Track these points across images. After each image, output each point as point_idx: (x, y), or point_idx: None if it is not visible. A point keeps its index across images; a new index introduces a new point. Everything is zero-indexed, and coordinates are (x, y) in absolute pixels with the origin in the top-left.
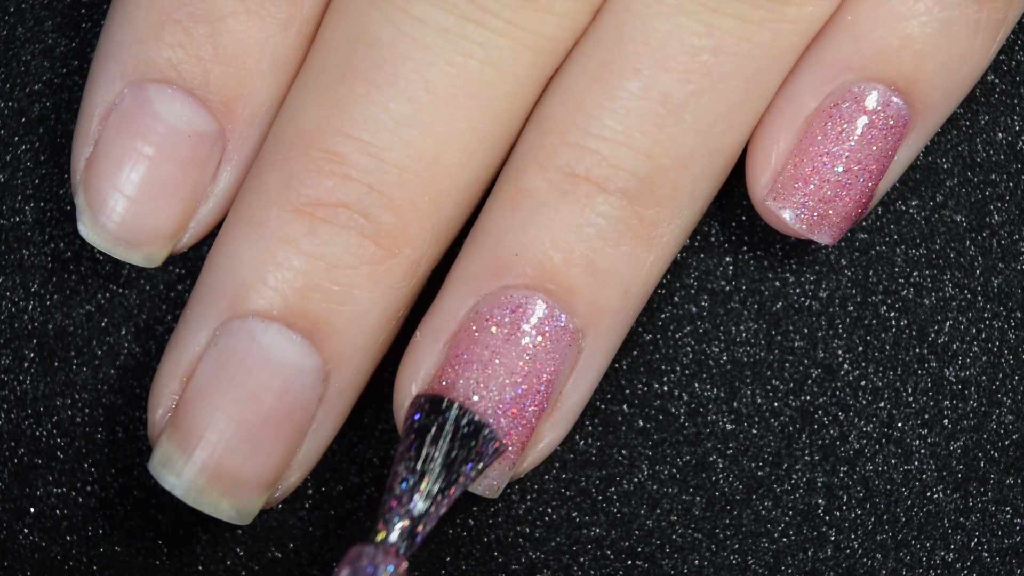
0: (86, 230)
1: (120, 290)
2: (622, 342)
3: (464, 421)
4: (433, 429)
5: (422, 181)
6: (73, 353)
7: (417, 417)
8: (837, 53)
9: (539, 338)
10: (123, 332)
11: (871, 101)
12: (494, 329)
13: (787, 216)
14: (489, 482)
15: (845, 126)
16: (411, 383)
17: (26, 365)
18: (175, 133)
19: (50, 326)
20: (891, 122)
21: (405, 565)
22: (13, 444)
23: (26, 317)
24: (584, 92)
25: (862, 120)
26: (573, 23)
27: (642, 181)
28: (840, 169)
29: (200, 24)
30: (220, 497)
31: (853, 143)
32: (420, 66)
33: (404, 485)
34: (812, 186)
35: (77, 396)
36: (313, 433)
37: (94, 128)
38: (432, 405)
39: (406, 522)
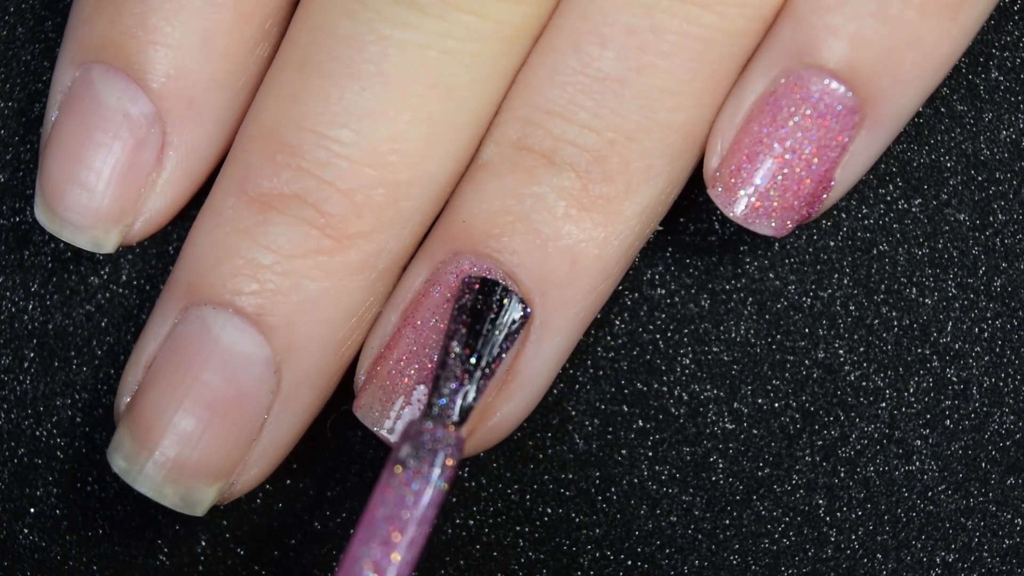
0: (37, 212)
1: (120, 290)
2: (589, 321)
3: (509, 300)
4: (485, 310)
5: (377, 173)
6: (73, 353)
7: (468, 298)
8: (779, 39)
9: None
10: (123, 332)
11: (808, 87)
12: (437, 293)
13: (728, 205)
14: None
15: (783, 113)
16: (367, 355)
17: (26, 365)
18: (113, 114)
19: (50, 326)
20: (832, 110)
21: (463, 440)
22: (13, 444)
23: (26, 317)
24: (531, 69)
25: (801, 108)
26: (539, 10)
27: (590, 154)
28: (778, 157)
29: (132, 2)
30: (163, 482)
31: (790, 131)
32: (375, 57)
33: (460, 363)
34: (747, 174)
35: (77, 396)
36: (269, 427)
37: (52, 114)
38: (484, 286)
39: (461, 399)
